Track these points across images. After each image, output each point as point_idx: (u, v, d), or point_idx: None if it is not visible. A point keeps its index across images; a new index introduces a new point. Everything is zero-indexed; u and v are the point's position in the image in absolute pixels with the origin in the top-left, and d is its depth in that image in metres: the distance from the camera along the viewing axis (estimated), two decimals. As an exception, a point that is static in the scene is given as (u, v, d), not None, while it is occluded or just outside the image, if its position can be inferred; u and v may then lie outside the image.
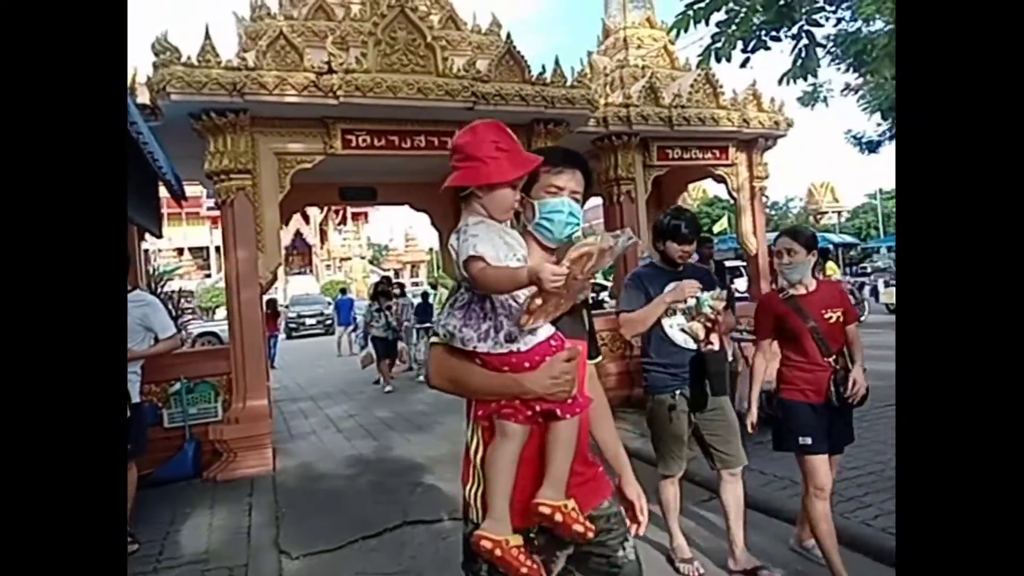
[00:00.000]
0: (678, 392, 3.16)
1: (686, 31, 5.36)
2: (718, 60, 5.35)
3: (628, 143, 7.53)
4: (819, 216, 29.69)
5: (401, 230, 40.08)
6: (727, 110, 7.81)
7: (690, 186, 11.72)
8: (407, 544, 3.88)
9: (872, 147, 21.38)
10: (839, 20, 7.19)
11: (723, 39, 5.22)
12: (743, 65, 5.47)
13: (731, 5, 5.15)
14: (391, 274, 27.46)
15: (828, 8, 5.63)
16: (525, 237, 1.56)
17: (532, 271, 1.28)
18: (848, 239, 24.47)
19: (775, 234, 3.45)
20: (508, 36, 6.57)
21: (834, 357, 3.00)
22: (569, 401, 1.46)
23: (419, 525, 4.12)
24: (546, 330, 1.45)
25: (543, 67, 6.55)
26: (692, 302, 3.10)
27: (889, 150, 20.91)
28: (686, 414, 3.18)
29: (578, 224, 1.64)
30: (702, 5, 5.14)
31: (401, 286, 14.09)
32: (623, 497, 1.73)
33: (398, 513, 4.32)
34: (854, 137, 21.19)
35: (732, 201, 8.55)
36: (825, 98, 15.01)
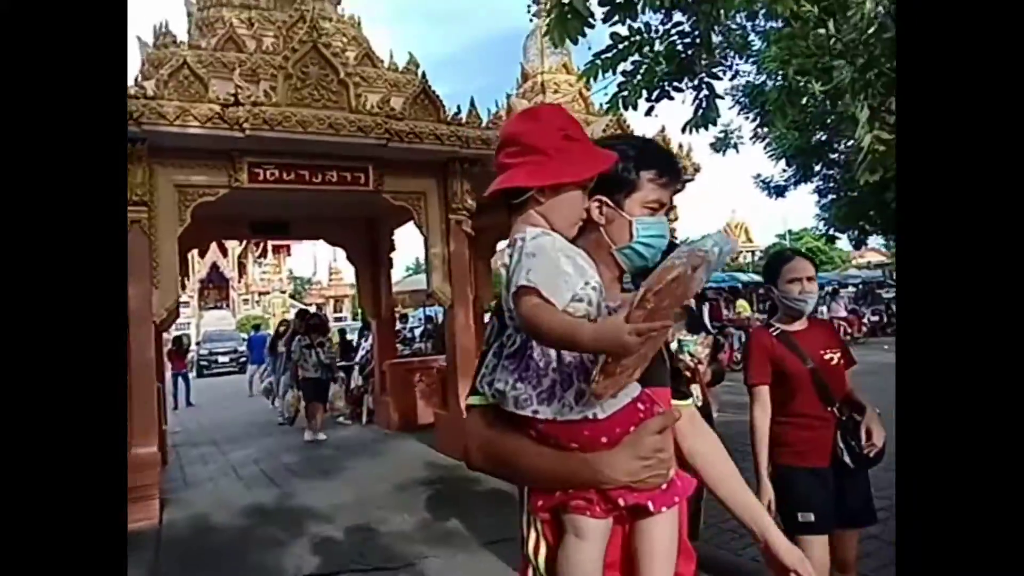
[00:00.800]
0: None
1: (595, 79, 5.55)
2: (624, 108, 5.54)
3: (544, 184, 7.67)
4: (735, 255, 31.23)
5: (325, 263, 39.18)
6: (639, 155, 8.11)
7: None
8: (298, 602, 3.65)
9: (779, 191, 22.78)
10: (736, 74, 7.66)
11: (629, 88, 5.43)
12: (648, 113, 5.70)
13: (636, 57, 5.38)
14: (312, 308, 26.69)
15: (724, 63, 5.98)
16: (591, 254, 1.16)
17: (599, 336, 0.91)
18: (756, 278, 25.81)
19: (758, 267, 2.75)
20: (423, 75, 6.62)
21: (837, 407, 2.48)
22: (664, 487, 1.06)
23: (313, 580, 3.89)
24: (631, 387, 1.04)
25: (458, 107, 6.62)
26: (674, 345, 2.63)
27: (795, 194, 22.28)
28: None
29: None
30: (609, 56, 5.34)
31: (319, 318, 13.41)
32: (777, 564, 1.28)
33: (291, 567, 4.08)
34: (763, 182, 22.55)
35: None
36: (736, 144, 15.88)
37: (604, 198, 1.20)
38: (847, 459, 2.41)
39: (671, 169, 1.27)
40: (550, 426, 1.02)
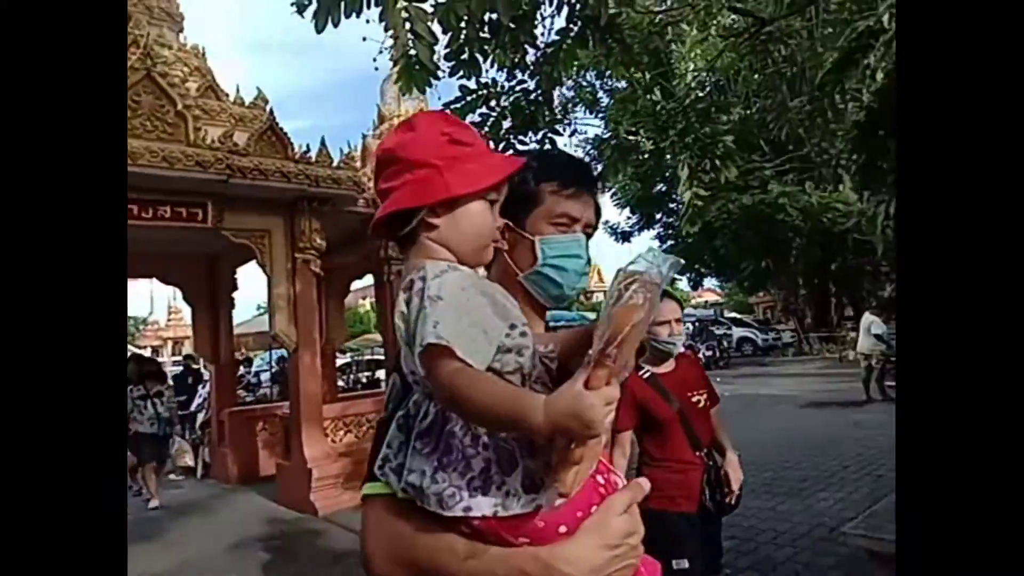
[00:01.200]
0: None
1: (444, 128, 5.74)
2: (472, 156, 5.79)
3: (398, 225, 7.67)
4: (588, 295, 32.93)
5: (164, 301, 35.96)
6: (491, 200, 8.39)
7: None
8: None
9: (625, 236, 24.54)
10: (574, 131, 8.25)
11: (476, 138, 5.66)
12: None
13: (483, 109, 5.63)
14: (147, 351, 24.36)
15: (564, 120, 6.41)
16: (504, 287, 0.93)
17: (554, 416, 0.68)
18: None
19: None
20: (271, 111, 6.44)
21: (705, 451, 2.44)
22: None
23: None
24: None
25: (307, 146, 6.50)
26: None
27: (639, 239, 24.20)
28: None
29: (588, 274, 1.10)
30: (458, 106, 5.55)
31: (157, 364, 12.03)
32: None
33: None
34: (610, 227, 24.19)
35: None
36: (586, 193, 16.93)
37: (505, 220, 1.00)
38: (709, 505, 2.38)
39: (579, 178, 1.08)
40: (488, 524, 0.77)
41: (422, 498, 0.77)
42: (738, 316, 28.81)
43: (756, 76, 6.84)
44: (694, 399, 2.49)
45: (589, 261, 1.08)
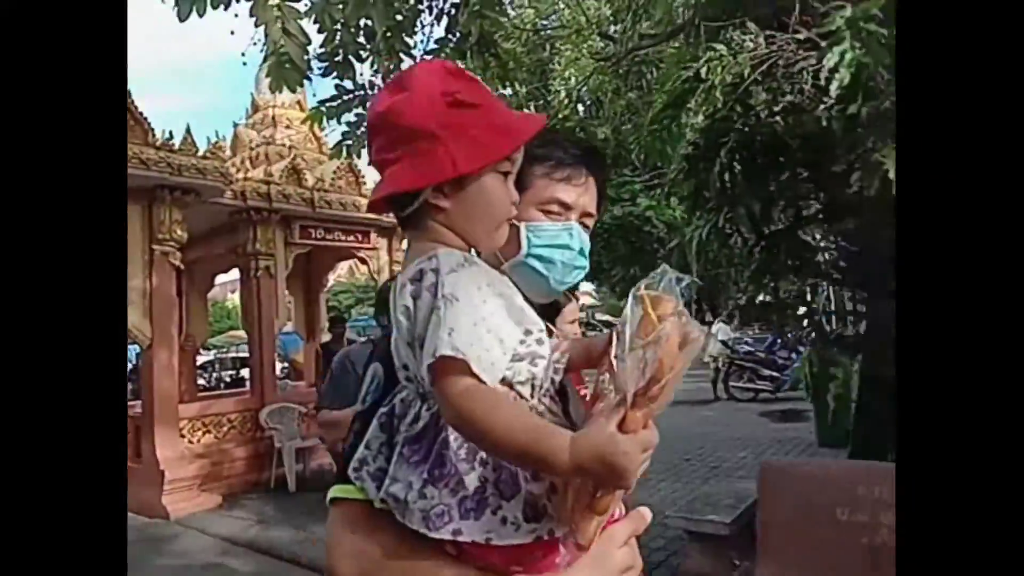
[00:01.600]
0: None
1: (320, 125, 5.68)
2: (348, 156, 5.77)
3: (268, 219, 7.47)
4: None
5: None
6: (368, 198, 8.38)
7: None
8: None
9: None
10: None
11: (352, 138, 5.67)
12: (371, 163, 6.00)
13: (360, 110, 5.65)
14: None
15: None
16: None
17: (582, 458, 0.61)
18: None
19: None
20: (128, 93, 6.07)
21: None
22: None
23: None
24: None
25: (170, 133, 6.19)
26: None
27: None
28: None
29: (585, 268, 1.01)
30: (334, 105, 5.53)
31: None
32: None
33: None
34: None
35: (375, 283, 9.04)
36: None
37: None
38: None
39: (573, 161, 0.99)
40: (480, 551, 0.69)
41: (405, 513, 0.69)
42: (610, 319, 30.23)
43: (631, 94, 7.33)
44: (582, 392, 2.63)
45: (584, 253, 0.99)
